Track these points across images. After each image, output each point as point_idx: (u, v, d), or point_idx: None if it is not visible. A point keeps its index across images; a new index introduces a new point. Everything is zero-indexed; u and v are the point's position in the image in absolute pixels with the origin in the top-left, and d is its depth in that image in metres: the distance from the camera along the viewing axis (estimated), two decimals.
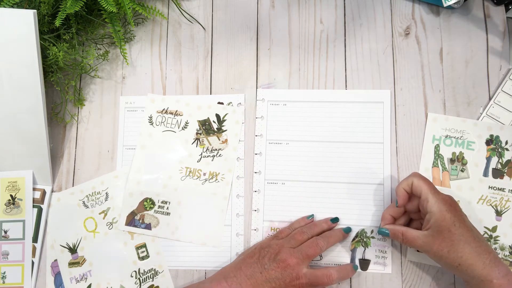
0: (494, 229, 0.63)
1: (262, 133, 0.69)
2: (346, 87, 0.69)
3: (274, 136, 0.69)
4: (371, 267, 0.64)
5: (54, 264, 0.69)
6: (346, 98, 0.69)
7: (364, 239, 0.65)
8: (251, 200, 0.68)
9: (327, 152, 0.68)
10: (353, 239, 0.65)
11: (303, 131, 0.69)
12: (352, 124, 0.68)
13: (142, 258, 0.68)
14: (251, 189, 0.68)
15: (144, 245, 0.68)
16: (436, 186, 0.64)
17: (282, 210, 0.67)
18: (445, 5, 0.66)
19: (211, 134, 0.70)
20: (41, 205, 0.70)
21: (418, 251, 0.64)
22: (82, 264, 0.68)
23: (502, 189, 0.64)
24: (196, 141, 0.70)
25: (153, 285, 0.67)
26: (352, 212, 0.66)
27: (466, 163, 0.65)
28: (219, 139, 0.69)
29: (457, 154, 0.65)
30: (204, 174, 0.69)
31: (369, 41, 0.70)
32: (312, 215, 0.66)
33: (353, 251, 0.65)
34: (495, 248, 0.63)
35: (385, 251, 0.64)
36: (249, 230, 0.67)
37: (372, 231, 0.65)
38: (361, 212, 0.66)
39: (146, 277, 0.67)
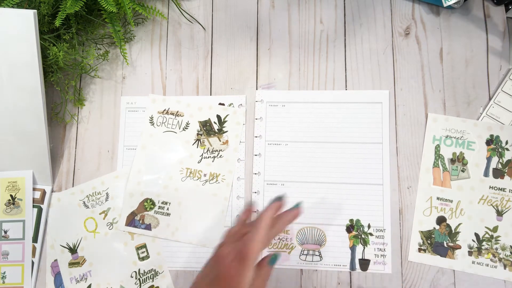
0: (495, 229, 0.63)
1: (261, 134, 0.69)
2: (346, 87, 0.69)
3: (273, 137, 0.69)
4: (371, 267, 0.64)
5: (54, 264, 0.69)
6: (344, 99, 0.69)
7: (363, 235, 0.65)
8: (251, 201, 0.68)
9: (326, 152, 0.68)
10: (350, 231, 0.65)
11: (302, 132, 0.69)
12: (351, 125, 0.68)
13: (142, 259, 0.67)
14: (250, 190, 0.68)
15: (144, 246, 0.68)
16: (437, 187, 0.65)
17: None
18: (445, 5, 0.66)
19: (212, 135, 0.70)
20: (41, 205, 0.70)
21: (419, 251, 0.64)
22: (82, 264, 0.68)
23: (503, 189, 0.64)
24: (197, 142, 0.70)
25: (153, 285, 0.67)
26: (351, 212, 0.66)
27: (466, 163, 0.65)
28: (220, 140, 0.69)
29: (457, 154, 0.65)
30: (205, 175, 0.69)
31: (369, 41, 0.70)
32: (251, 202, 0.61)
33: (352, 249, 0.65)
34: (496, 249, 0.63)
35: (384, 249, 0.64)
36: None
37: (369, 226, 0.65)
38: (360, 213, 0.66)
39: (146, 277, 0.67)
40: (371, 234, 0.65)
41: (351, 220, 0.66)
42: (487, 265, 0.63)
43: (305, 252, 0.65)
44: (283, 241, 0.66)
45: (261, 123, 0.70)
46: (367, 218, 0.65)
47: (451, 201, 0.65)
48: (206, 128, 0.70)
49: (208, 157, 0.69)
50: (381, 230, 0.65)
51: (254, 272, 0.48)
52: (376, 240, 0.65)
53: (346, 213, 0.66)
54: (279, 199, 0.53)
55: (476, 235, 0.63)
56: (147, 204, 0.69)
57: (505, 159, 0.65)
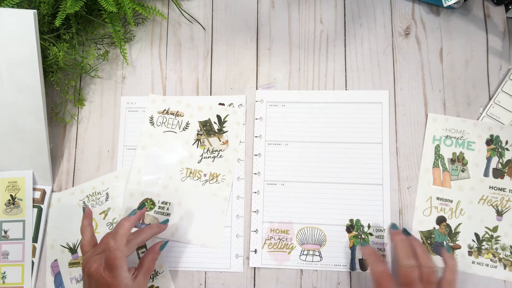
0: (495, 229, 0.63)
1: (261, 134, 0.69)
2: (346, 87, 0.69)
3: (273, 137, 0.69)
4: None
5: (54, 264, 0.69)
6: (343, 98, 0.69)
7: (362, 235, 0.65)
8: (250, 201, 0.68)
9: (326, 152, 0.68)
10: (350, 231, 0.65)
11: (302, 132, 0.69)
12: (351, 125, 0.68)
13: None
14: (250, 190, 0.68)
15: (144, 246, 0.68)
16: (437, 187, 0.65)
17: (281, 211, 0.67)
18: (445, 5, 0.66)
19: (212, 135, 0.70)
20: (41, 205, 0.70)
21: None
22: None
23: (503, 189, 0.64)
24: (197, 142, 0.70)
25: (153, 285, 0.67)
26: (351, 212, 0.66)
27: (466, 163, 0.65)
28: (220, 140, 0.69)
29: (457, 154, 0.65)
30: (205, 175, 0.69)
31: (369, 41, 0.70)
32: (134, 210, 0.60)
33: (352, 249, 0.65)
34: (496, 249, 0.63)
35: (384, 249, 0.64)
36: (249, 231, 0.67)
37: (369, 226, 0.65)
38: (360, 213, 0.66)
39: None
40: (371, 234, 0.65)
41: (351, 220, 0.66)
42: (487, 265, 0.63)
43: (305, 252, 0.66)
44: (283, 241, 0.66)
45: (261, 123, 0.70)
46: (367, 218, 0.66)
47: (451, 201, 0.65)
48: (206, 128, 0.70)
49: (208, 157, 0.69)
50: (381, 230, 0.65)
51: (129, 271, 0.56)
52: (376, 240, 0.65)
53: (346, 213, 0.66)
54: (140, 208, 0.62)
55: (476, 235, 0.63)
56: (147, 204, 0.69)
57: (505, 159, 0.65)
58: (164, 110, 0.71)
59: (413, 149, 0.67)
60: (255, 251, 0.66)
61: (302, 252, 0.66)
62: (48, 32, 0.67)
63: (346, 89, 0.69)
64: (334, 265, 0.65)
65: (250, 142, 0.69)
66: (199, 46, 0.74)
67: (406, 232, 0.61)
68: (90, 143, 0.72)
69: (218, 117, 0.70)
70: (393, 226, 0.63)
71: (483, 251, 0.63)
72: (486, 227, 0.63)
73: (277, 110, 0.70)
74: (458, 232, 0.64)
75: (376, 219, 0.65)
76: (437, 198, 0.65)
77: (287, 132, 0.69)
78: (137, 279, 0.56)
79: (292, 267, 0.65)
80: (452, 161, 0.65)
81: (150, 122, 0.71)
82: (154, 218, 0.68)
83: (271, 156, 0.69)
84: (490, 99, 0.67)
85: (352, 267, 0.65)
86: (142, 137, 0.71)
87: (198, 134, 0.70)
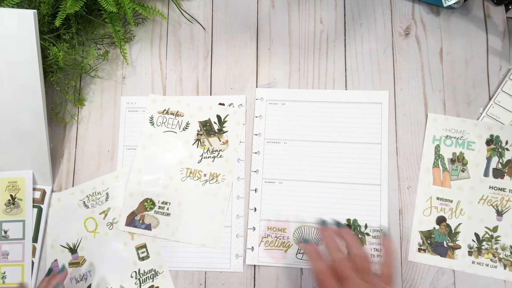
0: (495, 229, 0.63)
1: (260, 132, 0.69)
2: (346, 87, 0.69)
3: (272, 135, 0.69)
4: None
5: (54, 264, 0.69)
6: (343, 98, 0.69)
7: (359, 235, 0.65)
8: (248, 199, 0.68)
9: (324, 152, 0.68)
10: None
11: (301, 131, 0.69)
12: (350, 125, 0.68)
13: (142, 259, 0.68)
14: (249, 188, 0.68)
15: (144, 246, 0.68)
16: (437, 187, 0.65)
17: (279, 210, 0.67)
18: (445, 5, 0.66)
19: (212, 135, 0.70)
20: (41, 205, 0.70)
21: (419, 251, 0.64)
22: (82, 264, 0.68)
23: (503, 189, 0.64)
24: (197, 142, 0.70)
25: (153, 285, 0.67)
26: (349, 212, 0.66)
27: (466, 163, 0.65)
28: (220, 140, 0.69)
29: (457, 154, 0.65)
30: (205, 175, 0.69)
31: (369, 41, 0.70)
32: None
33: None
34: (496, 249, 0.63)
35: (380, 249, 0.64)
36: (247, 229, 0.67)
37: (366, 226, 0.65)
38: (358, 212, 0.66)
39: (146, 277, 0.67)
40: (368, 234, 0.65)
41: (348, 220, 0.66)
42: (487, 265, 0.63)
43: (302, 251, 0.65)
44: (280, 239, 0.66)
45: (261, 121, 0.70)
46: (364, 218, 0.65)
47: (451, 201, 0.65)
48: (206, 128, 0.70)
49: (208, 157, 0.69)
50: (378, 230, 0.65)
51: None
52: (373, 240, 0.65)
53: (344, 213, 0.66)
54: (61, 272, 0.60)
55: (476, 235, 0.63)
56: (147, 204, 0.69)
57: (505, 159, 0.65)
58: (164, 110, 0.71)
59: (413, 149, 0.67)
60: (252, 248, 0.66)
61: (298, 251, 0.66)
62: (48, 32, 0.67)
63: (346, 89, 0.69)
64: None
65: (249, 140, 0.69)
66: (199, 46, 0.74)
67: (337, 224, 0.58)
68: (90, 143, 0.72)
69: (218, 117, 0.70)
70: (322, 222, 0.59)
71: (483, 251, 0.63)
72: (486, 227, 0.63)
73: (277, 108, 0.70)
74: (458, 232, 0.64)
75: (373, 219, 0.65)
76: (437, 198, 0.65)
77: (286, 131, 0.69)
78: None
79: (291, 266, 0.65)
80: (452, 161, 0.65)
81: (150, 122, 0.71)
82: (154, 218, 0.68)
83: (270, 154, 0.69)
84: (490, 99, 0.67)
85: None
86: (142, 137, 0.71)
87: (198, 134, 0.70)
